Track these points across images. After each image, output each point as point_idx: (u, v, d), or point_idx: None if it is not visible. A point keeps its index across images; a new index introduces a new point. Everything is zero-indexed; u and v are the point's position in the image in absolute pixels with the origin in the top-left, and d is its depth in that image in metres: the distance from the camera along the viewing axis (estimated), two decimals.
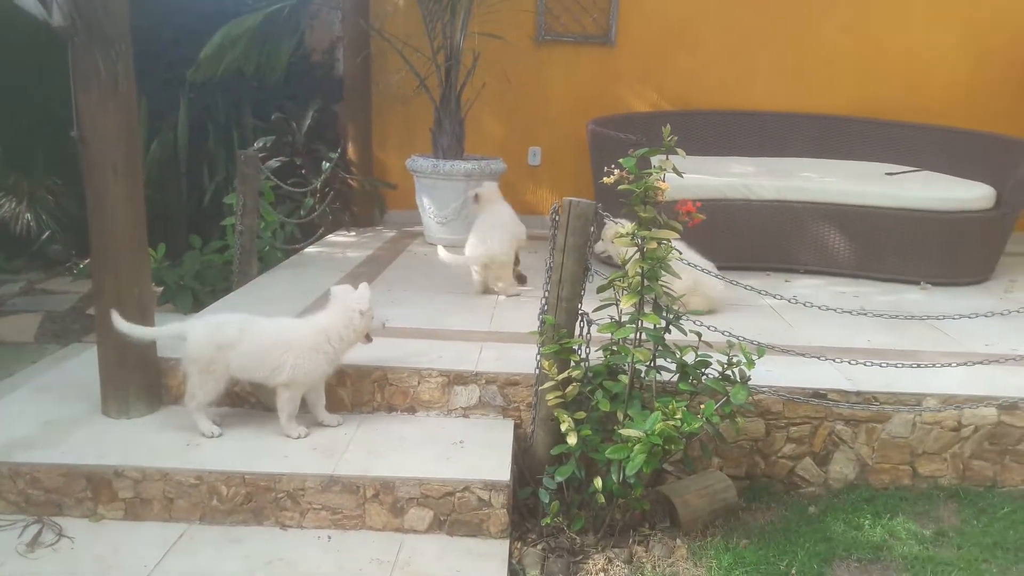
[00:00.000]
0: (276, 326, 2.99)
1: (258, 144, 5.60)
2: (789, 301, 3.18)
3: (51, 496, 2.77)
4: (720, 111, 5.92)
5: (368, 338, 3.05)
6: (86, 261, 6.09)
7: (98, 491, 2.76)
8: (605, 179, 2.53)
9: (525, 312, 3.90)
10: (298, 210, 5.63)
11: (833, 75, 6.05)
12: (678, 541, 2.81)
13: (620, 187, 2.50)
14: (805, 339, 3.65)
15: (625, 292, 2.52)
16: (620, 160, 2.49)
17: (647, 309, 2.62)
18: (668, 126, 2.55)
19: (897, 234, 4.84)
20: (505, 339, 3.57)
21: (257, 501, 2.75)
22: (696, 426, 2.40)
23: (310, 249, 5.33)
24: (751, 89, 6.03)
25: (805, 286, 4.71)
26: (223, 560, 2.56)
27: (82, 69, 2.84)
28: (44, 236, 6.16)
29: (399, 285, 4.46)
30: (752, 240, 4.94)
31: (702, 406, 2.55)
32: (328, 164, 5.74)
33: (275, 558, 2.58)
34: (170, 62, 5.76)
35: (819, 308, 3.17)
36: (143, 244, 3.08)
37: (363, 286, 3.04)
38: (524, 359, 3.26)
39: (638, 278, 2.48)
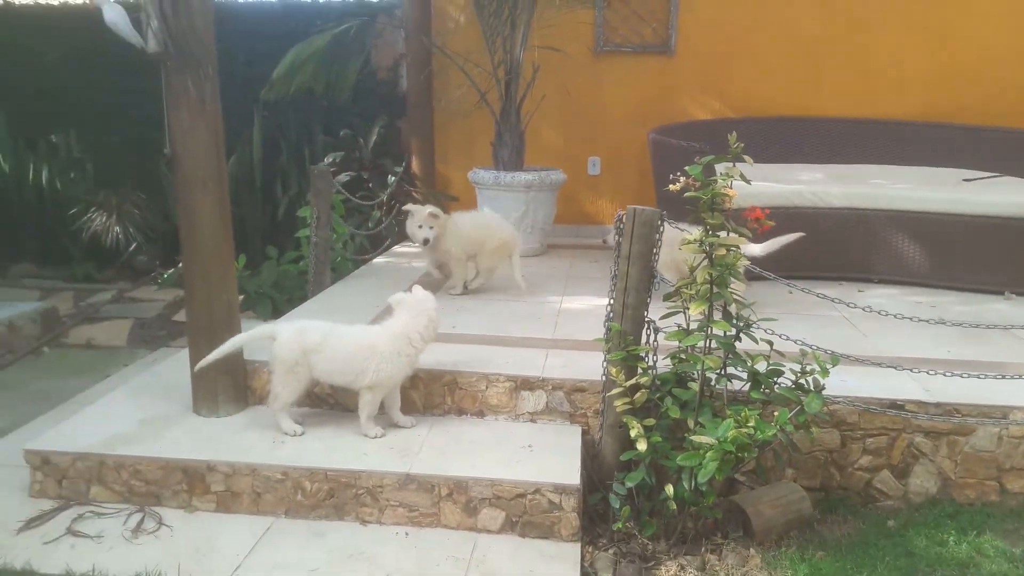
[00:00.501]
0: (359, 333, 3.15)
1: (328, 159, 5.84)
2: (864, 310, 3.10)
3: (151, 487, 2.97)
4: (784, 118, 5.87)
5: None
6: (170, 271, 6.44)
7: (193, 484, 2.94)
8: (671, 187, 2.59)
9: (588, 321, 3.97)
10: (366, 222, 5.83)
11: (902, 78, 5.94)
12: (752, 551, 2.80)
13: (687, 194, 2.55)
14: (880, 349, 3.56)
15: (694, 299, 2.56)
16: (686, 168, 2.54)
17: (716, 316, 2.65)
18: (734, 133, 2.59)
19: (977, 242, 4.65)
20: (569, 346, 3.63)
21: (339, 497, 2.88)
22: (769, 434, 2.42)
23: (378, 260, 5.51)
24: (815, 95, 5.97)
25: (879, 296, 4.60)
26: (308, 552, 2.70)
27: (174, 91, 3.05)
28: (131, 248, 6.55)
29: (463, 294, 4.58)
30: (823, 248, 4.83)
31: (775, 414, 2.55)
32: (393, 178, 5.93)
33: (356, 552, 2.71)
34: (244, 82, 6.06)
35: (895, 317, 3.11)
36: (230, 254, 3.27)
37: (417, 288, 3.21)
38: (590, 366, 3.33)
39: (707, 285, 2.51)
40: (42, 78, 6.84)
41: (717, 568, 2.73)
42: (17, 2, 7.37)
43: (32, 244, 6.92)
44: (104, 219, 6.49)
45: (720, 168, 2.70)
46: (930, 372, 2.97)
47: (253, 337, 3.19)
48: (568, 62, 5.77)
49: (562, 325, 3.89)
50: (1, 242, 6.91)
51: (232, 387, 3.31)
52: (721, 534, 2.90)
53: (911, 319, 3.11)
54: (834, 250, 4.86)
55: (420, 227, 4.21)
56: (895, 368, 3.00)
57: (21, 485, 3.07)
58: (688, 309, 2.76)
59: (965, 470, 3.12)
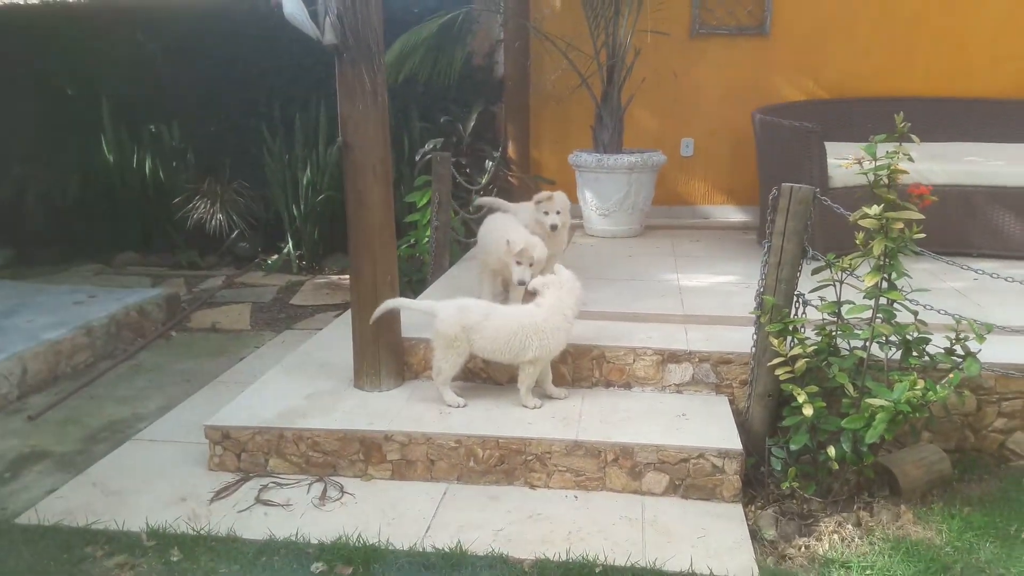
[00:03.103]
0: (518, 312, 3.32)
1: (428, 146, 6.01)
2: (993, 277, 3.18)
3: (328, 458, 3.18)
4: (878, 98, 5.89)
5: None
6: (274, 257, 6.70)
7: (369, 453, 3.15)
8: (843, 164, 2.70)
9: (712, 297, 4.12)
10: (466, 207, 5.99)
11: (996, 55, 5.91)
12: (903, 507, 2.94)
13: (860, 172, 2.66)
14: (1000, 319, 3.65)
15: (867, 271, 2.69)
16: (860, 147, 2.66)
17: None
18: (901, 113, 2.69)
19: None
20: (703, 321, 3.77)
21: (509, 463, 3.07)
22: (943, 394, 2.54)
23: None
24: (909, 74, 5.98)
25: (983, 270, 4.65)
26: (489, 514, 2.89)
27: (347, 81, 3.22)
28: (233, 235, 6.81)
29: (583, 272, 4.61)
30: (924, 224, 4.90)
31: (947, 377, 2.67)
32: (491, 163, 6.09)
33: (534, 513, 2.89)
34: None
35: (1021, 284, 3.17)
36: (393, 236, 3.46)
37: (559, 267, 3.38)
38: (732, 339, 3.47)
39: (880, 258, 2.63)
40: (144, 69, 7.09)
41: (872, 524, 2.87)
42: None
43: (135, 233, 7.19)
44: (207, 206, 6.75)
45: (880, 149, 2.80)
46: None
47: (414, 307, 3.41)
48: (665, 45, 5.86)
49: (688, 301, 4.02)
50: (106, 231, 7.20)
51: (394, 362, 3.51)
52: (868, 493, 3.04)
53: None
54: (934, 226, 4.88)
55: (557, 213, 4.00)
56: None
57: (196, 459, 3.30)
58: (838, 283, 2.90)
59: None
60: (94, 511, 2.90)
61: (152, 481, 3.14)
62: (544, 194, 4.07)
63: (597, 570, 2.51)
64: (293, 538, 2.72)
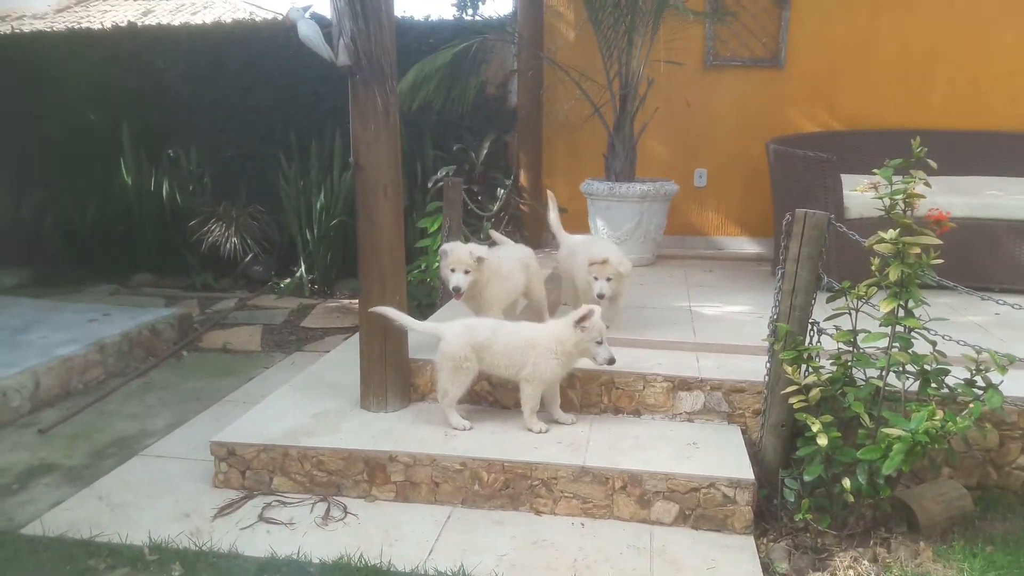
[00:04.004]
0: (523, 328, 3.30)
1: (440, 173, 6.05)
2: (1013, 307, 3.12)
3: (332, 478, 3.14)
4: (894, 130, 5.87)
5: (607, 360, 3.15)
6: (286, 281, 6.73)
7: (373, 474, 3.11)
8: (858, 189, 2.67)
9: (725, 326, 4.07)
10: (477, 234, 6.01)
11: (1016, 89, 5.90)
12: (922, 544, 2.85)
13: (876, 197, 2.63)
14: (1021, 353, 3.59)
15: (883, 297, 2.64)
16: (874, 171, 2.63)
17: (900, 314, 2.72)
18: (917, 138, 2.67)
19: None
20: (715, 349, 3.72)
21: (514, 488, 3.02)
22: (964, 425, 2.47)
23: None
24: (926, 107, 5.97)
25: (1005, 301, 4.58)
26: (493, 539, 2.83)
27: (360, 103, 3.25)
28: (247, 258, 6.86)
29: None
30: (944, 257, 4.85)
31: (968, 408, 2.60)
32: (503, 190, 6.11)
33: (539, 539, 2.83)
34: None
35: None
36: (402, 257, 3.45)
37: (584, 307, 3.16)
38: (745, 368, 3.42)
39: (895, 286, 2.59)
40: (163, 94, 7.24)
41: (889, 560, 2.78)
42: (140, 24, 7.86)
43: (151, 255, 7.27)
44: (222, 230, 6.81)
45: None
46: None
47: (419, 328, 3.36)
48: (678, 75, 5.90)
49: (701, 329, 3.98)
50: (123, 252, 7.28)
51: (400, 383, 3.49)
52: (885, 529, 2.95)
53: None
54: (955, 260, 4.84)
55: (608, 280, 3.60)
56: None
57: (201, 476, 3.29)
58: (854, 312, 2.85)
59: None
60: (98, 524, 2.89)
61: (157, 496, 3.13)
62: (598, 257, 3.62)
63: None
64: (295, 556, 2.69)
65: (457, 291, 3.50)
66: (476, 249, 3.56)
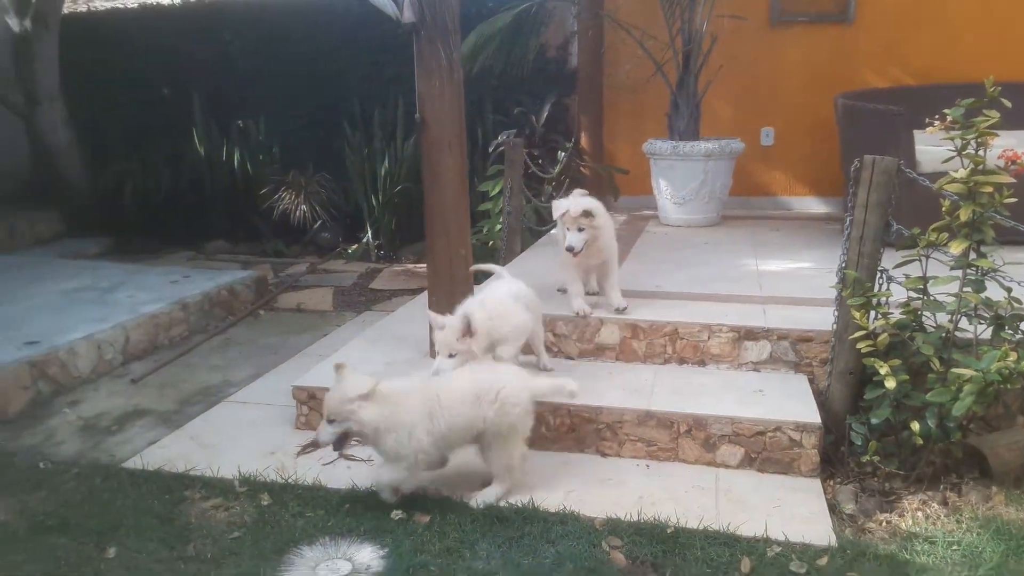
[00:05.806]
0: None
1: (501, 137, 6.09)
2: None
3: None
4: (969, 84, 5.61)
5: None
6: (354, 247, 6.93)
7: None
8: (928, 129, 2.63)
9: (792, 281, 4.04)
10: (538, 196, 6.07)
11: None
12: (993, 488, 2.82)
13: (947, 136, 2.59)
14: None
15: (954, 238, 2.60)
16: (945, 111, 2.58)
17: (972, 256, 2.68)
18: (991, 77, 2.60)
19: None
20: (782, 302, 3.71)
21: (580, 431, 3.10)
22: None
23: (555, 231, 5.72)
24: (1005, 59, 5.69)
25: None
26: (560, 477, 2.93)
27: (425, 59, 3.33)
28: (316, 225, 7.09)
29: (655, 257, 4.71)
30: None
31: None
32: (564, 153, 6.14)
33: (604, 478, 2.92)
34: None
35: None
36: (467, 212, 3.55)
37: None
38: (812, 319, 3.41)
39: (966, 227, 2.55)
40: (231, 66, 7.49)
41: (959, 503, 2.76)
42: None
43: (223, 223, 7.57)
44: (292, 198, 7.04)
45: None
46: None
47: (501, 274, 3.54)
48: (743, 32, 5.80)
49: (767, 284, 3.97)
50: (196, 221, 7.60)
51: None
52: (956, 474, 2.92)
53: None
54: None
55: (579, 231, 3.44)
56: None
57: (283, 419, 3.50)
58: (924, 258, 2.82)
59: None
60: (191, 460, 3.10)
61: (243, 437, 3.33)
62: (561, 204, 3.53)
63: (668, 531, 2.52)
64: (374, 487, 2.83)
65: (570, 249, 3.40)
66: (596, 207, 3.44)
